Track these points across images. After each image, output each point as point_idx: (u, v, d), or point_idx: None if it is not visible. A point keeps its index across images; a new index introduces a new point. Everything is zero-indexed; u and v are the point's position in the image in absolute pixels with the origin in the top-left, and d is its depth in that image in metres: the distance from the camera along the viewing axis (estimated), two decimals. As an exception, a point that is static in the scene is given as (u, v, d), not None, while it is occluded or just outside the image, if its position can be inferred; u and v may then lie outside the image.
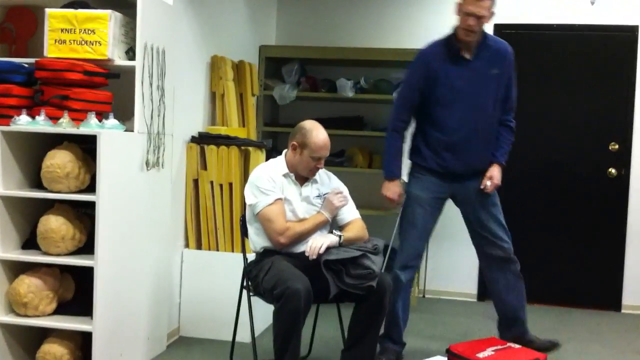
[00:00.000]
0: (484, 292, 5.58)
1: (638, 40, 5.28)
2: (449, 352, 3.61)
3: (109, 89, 3.43)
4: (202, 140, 4.18)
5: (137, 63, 3.36)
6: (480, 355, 3.48)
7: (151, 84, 3.47)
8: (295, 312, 2.89)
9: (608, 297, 5.34)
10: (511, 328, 3.92)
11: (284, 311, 2.90)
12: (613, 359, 3.33)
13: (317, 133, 3.26)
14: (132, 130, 3.39)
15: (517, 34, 5.53)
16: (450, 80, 3.64)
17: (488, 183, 3.76)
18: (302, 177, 3.37)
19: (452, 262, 5.67)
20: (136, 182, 3.43)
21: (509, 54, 3.77)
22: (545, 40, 5.48)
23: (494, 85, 3.70)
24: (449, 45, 3.71)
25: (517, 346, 3.69)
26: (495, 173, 3.78)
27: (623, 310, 5.39)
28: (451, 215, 5.64)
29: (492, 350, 3.55)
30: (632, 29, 5.27)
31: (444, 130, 3.68)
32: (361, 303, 3.16)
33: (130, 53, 3.44)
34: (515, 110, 3.87)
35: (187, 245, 4.21)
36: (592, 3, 5.25)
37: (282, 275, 2.96)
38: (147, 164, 3.50)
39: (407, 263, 3.79)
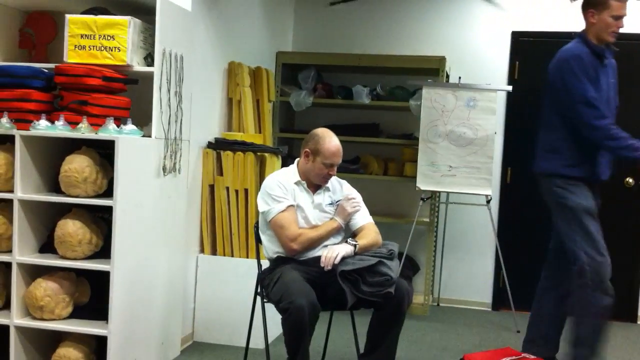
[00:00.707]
0: (498, 302, 5.56)
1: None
2: (463, 362, 3.60)
3: (127, 94, 3.46)
4: (218, 146, 4.20)
5: (155, 69, 3.37)
6: (495, 365, 3.47)
7: (169, 90, 3.49)
8: (299, 327, 2.88)
9: (624, 308, 5.29)
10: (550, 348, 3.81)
11: (289, 326, 2.90)
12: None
13: (329, 140, 3.27)
14: (150, 136, 3.40)
15: (534, 42, 5.51)
16: (601, 84, 3.55)
17: None
18: (315, 185, 3.37)
19: (466, 271, 5.65)
20: (153, 187, 3.45)
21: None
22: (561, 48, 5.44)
23: (614, 92, 3.68)
24: (593, 49, 3.59)
25: (533, 357, 3.66)
26: None
27: (639, 322, 5.34)
28: (465, 224, 5.65)
29: (507, 361, 3.54)
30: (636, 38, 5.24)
31: None
32: (379, 309, 3.15)
33: (149, 59, 3.46)
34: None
35: (202, 251, 4.23)
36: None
37: (288, 289, 2.95)
38: (164, 169, 3.51)
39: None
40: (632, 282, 5.34)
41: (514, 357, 3.61)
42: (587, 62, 3.48)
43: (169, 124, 3.51)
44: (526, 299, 5.41)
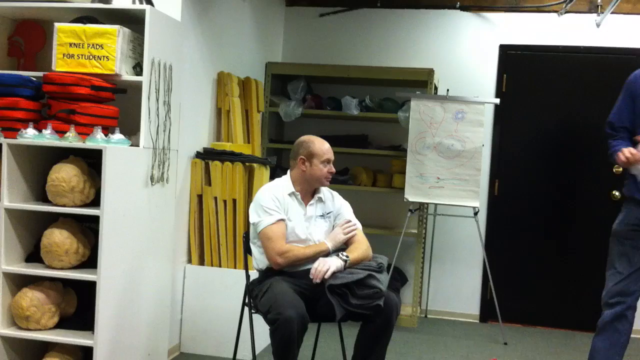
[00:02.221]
0: (486, 314, 5.57)
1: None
2: (450, 374, 3.59)
3: (115, 103, 3.45)
4: (206, 156, 4.19)
5: (144, 78, 3.37)
6: (482, 377, 3.46)
7: (157, 100, 3.48)
8: (288, 339, 2.88)
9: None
10: None
11: (277, 337, 2.89)
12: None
13: (318, 141, 3.37)
14: (138, 145, 3.39)
15: (522, 55, 5.56)
16: None
17: None
18: (308, 196, 3.38)
19: (454, 283, 5.66)
20: (140, 197, 3.44)
21: None
22: (550, 61, 5.50)
23: None
24: None
25: (520, 369, 3.66)
26: None
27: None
28: (453, 236, 5.67)
29: (494, 373, 3.54)
30: (636, 52, 5.29)
31: None
32: (368, 322, 3.15)
33: (138, 68, 3.46)
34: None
35: (189, 261, 4.21)
36: (598, 25, 5.28)
37: (277, 300, 2.95)
38: (151, 179, 3.50)
39: None
40: None
41: (501, 369, 3.61)
42: None
43: (157, 133, 3.51)
44: (513, 311, 5.45)
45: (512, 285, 5.50)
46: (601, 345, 3.31)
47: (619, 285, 3.32)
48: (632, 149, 3.19)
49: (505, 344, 4.90)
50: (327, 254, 3.26)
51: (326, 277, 3.06)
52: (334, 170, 3.38)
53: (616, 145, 3.32)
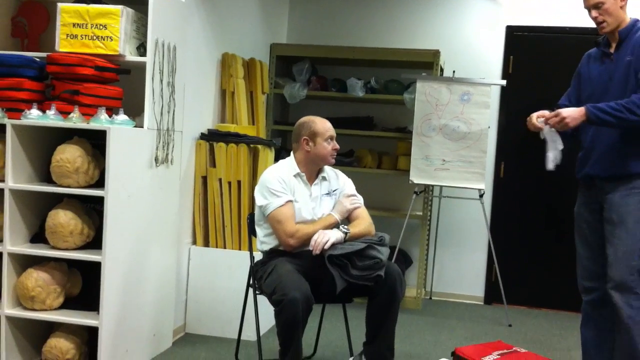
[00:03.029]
0: (490, 296, 5.58)
1: None
2: (454, 355, 3.60)
3: (119, 84, 3.44)
4: (211, 137, 4.19)
5: (148, 59, 3.36)
6: (486, 358, 3.47)
7: (161, 81, 3.47)
8: (293, 320, 2.89)
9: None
10: None
11: (282, 318, 2.90)
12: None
13: (319, 120, 3.37)
14: (142, 126, 3.39)
15: (528, 37, 5.51)
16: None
17: None
18: (313, 176, 3.38)
19: (459, 265, 5.66)
20: (145, 178, 3.44)
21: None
22: (556, 42, 5.45)
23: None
24: None
25: (523, 350, 3.67)
26: None
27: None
28: (458, 218, 5.66)
29: (498, 354, 3.54)
30: None
31: None
32: (374, 296, 3.15)
33: (142, 49, 3.45)
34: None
35: (194, 242, 4.22)
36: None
37: (282, 282, 2.95)
38: (156, 160, 3.50)
39: None
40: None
41: (504, 351, 3.61)
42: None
43: (162, 114, 3.50)
44: (518, 293, 5.45)
45: (517, 268, 5.49)
46: (589, 335, 3.28)
47: (586, 269, 3.28)
48: (543, 112, 3.15)
49: (510, 325, 4.91)
50: (336, 225, 3.27)
51: (326, 247, 3.07)
52: (337, 147, 3.38)
53: (558, 103, 3.31)
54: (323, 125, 3.34)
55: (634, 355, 3.06)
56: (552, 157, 3.15)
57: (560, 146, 3.14)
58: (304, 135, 3.32)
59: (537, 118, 3.15)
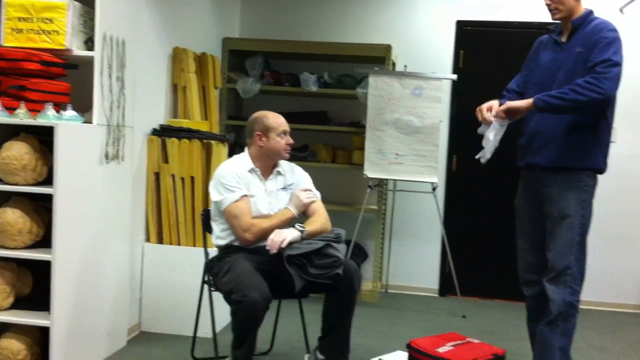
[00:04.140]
0: (445, 288, 5.65)
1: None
2: (409, 347, 3.63)
3: (67, 79, 3.37)
4: (163, 133, 4.13)
5: (95, 53, 3.30)
6: (440, 350, 3.51)
7: (110, 75, 3.41)
8: (251, 320, 2.89)
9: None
10: None
11: (239, 317, 2.89)
12: (573, 354, 3.39)
13: (272, 114, 3.37)
14: (91, 122, 3.33)
15: (478, 31, 5.59)
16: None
17: None
18: (267, 171, 3.36)
19: (414, 258, 5.71)
20: (95, 174, 3.38)
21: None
22: (505, 37, 5.54)
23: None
24: None
25: (477, 341, 3.72)
26: None
27: (581, 306, 5.47)
28: (413, 211, 5.71)
29: (452, 345, 3.58)
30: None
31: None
32: (331, 292, 3.16)
33: (89, 43, 3.38)
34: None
35: (148, 239, 4.16)
36: (621, 11, 5.35)
37: (240, 281, 2.93)
38: (106, 156, 3.44)
39: None
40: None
41: (458, 342, 3.66)
42: None
43: (111, 110, 3.44)
44: (472, 285, 5.53)
45: (470, 260, 5.58)
46: (543, 330, 3.19)
47: (527, 262, 3.32)
48: (492, 104, 3.15)
49: (464, 316, 4.98)
50: (293, 220, 3.26)
51: (282, 246, 3.06)
52: (291, 141, 3.38)
53: (501, 100, 3.31)
54: (276, 119, 3.33)
55: (559, 347, 3.09)
56: (489, 151, 3.13)
57: (497, 141, 3.13)
58: (257, 130, 3.30)
59: (487, 110, 3.17)
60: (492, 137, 3.12)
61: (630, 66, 5.35)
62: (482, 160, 3.17)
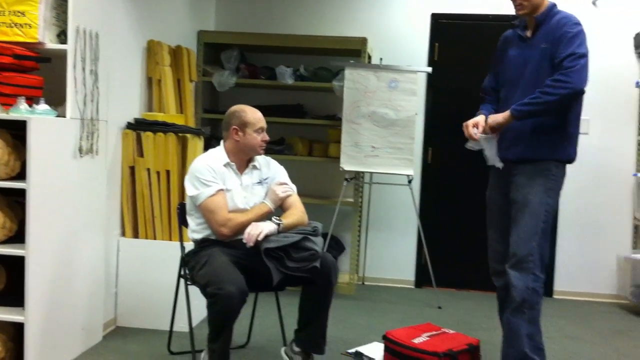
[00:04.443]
0: (421, 280, 5.69)
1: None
2: (385, 338, 3.66)
3: (40, 73, 3.33)
4: (138, 126, 4.10)
5: (69, 47, 3.27)
6: (416, 340, 3.54)
7: (84, 69, 3.38)
8: (227, 314, 2.89)
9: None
10: None
11: (215, 310, 2.89)
12: (546, 343, 3.44)
13: (250, 110, 3.35)
14: (64, 116, 3.30)
15: (453, 24, 5.62)
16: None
17: None
18: (243, 165, 3.36)
19: (390, 250, 5.75)
20: (69, 169, 3.35)
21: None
22: (480, 30, 5.57)
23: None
24: None
25: (452, 331, 3.76)
26: None
27: (554, 296, 5.57)
28: (389, 204, 5.74)
29: (427, 336, 3.62)
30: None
31: None
32: (308, 285, 3.17)
33: (62, 36, 3.35)
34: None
35: (123, 234, 4.14)
36: (594, 4, 5.39)
37: (217, 274, 2.93)
38: (80, 150, 3.41)
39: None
40: (549, 259, 5.52)
41: (434, 333, 3.69)
42: None
43: (85, 103, 3.41)
44: (447, 276, 5.57)
45: (446, 251, 5.62)
46: (510, 318, 3.20)
47: (496, 252, 3.35)
48: (478, 120, 3.19)
49: (440, 307, 5.03)
50: (269, 214, 3.26)
51: (259, 239, 3.06)
52: (267, 138, 3.37)
53: (479, 110, 3.36)
54: (254, 115, 3.32)
55: (526, 335, 3.12)
56: (492, 156, 3.21)
57: (495, 153, 3.22)
58: (234, 125, 3.30)
59: (473, 127, 3.20)
60: (488, 152, 3.20)
61: (603, 59, 5.44)
62: (498, 166, 3.24)
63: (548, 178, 3.14)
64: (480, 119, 3.22)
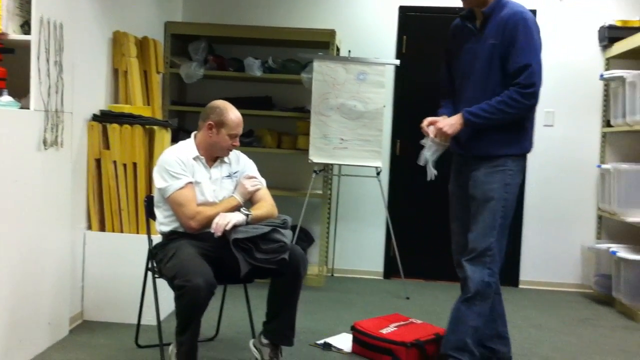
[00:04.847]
0: (389, 271, 5.73)
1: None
2: (353, 329, 3.69)
3: (3, 64, 3.27)
4: (104, 118, 4.06)
5: (32, 37, 3.22)
6: (384, 331, 3.58)
7: (48, 60, 3.33)
8: (194, 306, 2.87)
9: (507, 273, 5.55)
10: None
11: (183, 303, 2.88)
12: (511, 332, 3.49)
13: (232, 112, 3.28)
14: (28, 108, 3.25)
15: (421, 17, 5.65)
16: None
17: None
18: (212, 159, 3.34)
19: (359, 242, 5.78)
20: (33, 162, 3.30)
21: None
22: (447, 22, 5.57)
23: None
24: None
25: (419, 321, 3.80)
26: None
27: (520, 286, 5.65)
28: (357, 196, 5.76)
29: (395, 326, 3.66)
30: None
31: None
32: (277, 277, 3.17)
33: (26, 27, 3.29)
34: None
35: (89, 227, 4.09)
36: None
37: (184, 267, 2.92)
38: (44, 143, 3.36)
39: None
40: (514, 250, 5.62)
41: (401, 323, 3.74)
42: None
43: (49, 95, 3.36)
44: (415, 267, 5.62)
45: (414, 243, 5.67)
46: (460, 307, 3.23)
47: (459, 244, 3.38)
48: (435, 119, 3.21)
49: (408, 298, 5.07)
50: (238, 207, 3.25)
51: (227, 229, 3.05)
52: (238, 144, 3.33)
53: (440, 108, 3.39)
54: (234, 120, 3.26)
55: (472, 326, 3.16)
56: (429, 168, 3.25)
57: (434, 157, 3.23)
58: (211, 120, 3.26)
59: (428, 125, 3.21)
60: (428, 155, 3.22)
61: (568, 52, 5.53)
62: (431, 176, 3.27)
63: (505, 173, 3.17)
64: (439, 118, 3.22)
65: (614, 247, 5.00)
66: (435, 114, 3.32)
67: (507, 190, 3.17)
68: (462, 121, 3.12)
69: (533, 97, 3.06)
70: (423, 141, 3.23)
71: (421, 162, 3.25)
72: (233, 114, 3.28)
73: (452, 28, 3.39)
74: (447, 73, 3.43)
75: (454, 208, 3.45)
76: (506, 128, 3.15)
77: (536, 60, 3.05)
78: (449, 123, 3.15)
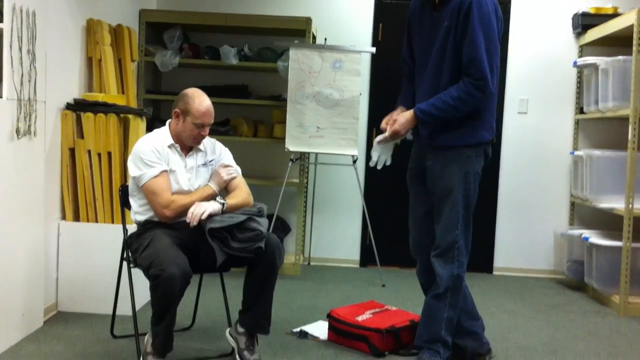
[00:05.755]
0: (365, 259, 5.76)
1: (510, 13, 5.55)
2: (329, 317, 3.71)
3: (-27, 52, 3.23)
4: (78, 107, 4.02)
5: (4, 25, 3.17)
6: (359, 318, 3.60)
7: (20, 48, 3.29)
8: (169, 296, 2.86)
9: (481, 260, 5.63)
10: None
11: (158, 293, 2.87)
12: (485, 319, 3.54)
13: (199, 100, 3.22)
14: (1, 97, 3.21)
15: (397, 4, 5.66)
16: None
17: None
18: (187, 147, 3.32)
19: (335, 231, 5.80)
20: (5, 151, 3.26)
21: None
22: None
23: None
24: None
25: (394, 308, 3.84)
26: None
27: (494, 272, 5.72)
28: (334, 184, 5.78)
29: (371, 313, 3.69)
30: (504, 2, 5.50)
31: None
32: (253, 266, 3.18)
33: (-3, 15, 3.25)
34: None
35: (63, 218, 4.06)
36: None
37: (159, 256, 2.91)
38: (17, 132, 3.33)
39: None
40: (488, 238, 5.68)
41: (377, 310, 3.77)
42: None
43: (22, 84, 3.32)
44: (391, 255, 5.65)
45: (390, 231, 5.69)
46: (431, 302, 3.28)
47: (412, 239, 3.42)
48: (392, 117, 3.23)
49: (384, 286, 5.11)
50: (213, 196, 3.24)
51: (202, 218, 3.05)
52: (206, 133, 3.27)
53: (399, 99, 3.39)
54: (199, 109, 3.20)
55: (446, 318, 3.20)
56: (379, 158, 3.29)
57: (388, 154, 3.31)
58: (177, 108, 3.24)
59: (386, 123, 3.24)
60: (375, 157, 3.32)
61: (542, 39, 5.58)
62: (379, 167, 3.33)
63: (462, 162, 3.16)
64: (396, 113, 3.24)
65: (586, 233, 5.05)
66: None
67: (467, 180, 3.16)
68: (414, 118, 3.13)
69: (487, 88, 3.03)
70: (378, 139, 3.25)
71: (373, 164, 3.27)
72: (199, 104, 3.20)
73: (413, 3, 3.33)
74: (408, 49, 3.39)
75: (411, 201, 3.47)
76: (465, 120, 3.13)
77: (490, 50, 3.00)
78: (401, 122, 3.16)
